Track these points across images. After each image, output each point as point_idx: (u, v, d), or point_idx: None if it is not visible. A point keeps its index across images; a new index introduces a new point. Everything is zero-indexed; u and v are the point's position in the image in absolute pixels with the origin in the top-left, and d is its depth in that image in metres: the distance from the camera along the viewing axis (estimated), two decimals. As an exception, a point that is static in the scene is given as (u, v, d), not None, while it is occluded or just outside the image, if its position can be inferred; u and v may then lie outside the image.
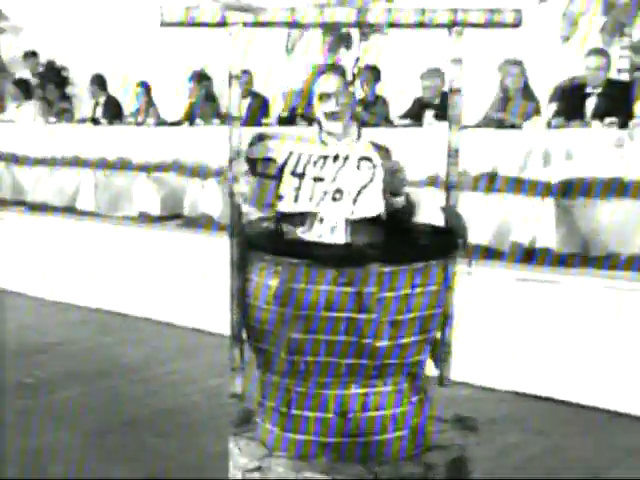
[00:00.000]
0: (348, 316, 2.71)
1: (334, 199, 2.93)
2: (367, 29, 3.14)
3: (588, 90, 5.61)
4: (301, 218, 2.96)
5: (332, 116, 3.00)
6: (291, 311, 2.75)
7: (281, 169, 2.99)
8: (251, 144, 3.03)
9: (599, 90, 5.57)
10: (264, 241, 2.93)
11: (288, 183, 2.96)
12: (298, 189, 2.96)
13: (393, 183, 2.95)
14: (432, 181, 5.24)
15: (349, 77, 3.13)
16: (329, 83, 3.00)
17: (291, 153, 3.00)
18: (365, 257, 2.72)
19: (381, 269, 2.71)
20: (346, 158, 2.99)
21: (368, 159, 3.01)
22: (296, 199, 2.94)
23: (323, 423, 2.80)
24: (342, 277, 2.69)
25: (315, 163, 2.98)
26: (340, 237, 2.92)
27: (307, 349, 2.76)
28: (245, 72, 7.51)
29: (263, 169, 3.05)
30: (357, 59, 3.19)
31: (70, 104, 8.93)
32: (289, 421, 2.85)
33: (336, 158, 2.99)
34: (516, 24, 3.08)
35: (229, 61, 2.98)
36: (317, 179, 2.96)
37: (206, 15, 2.96)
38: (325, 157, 3.00)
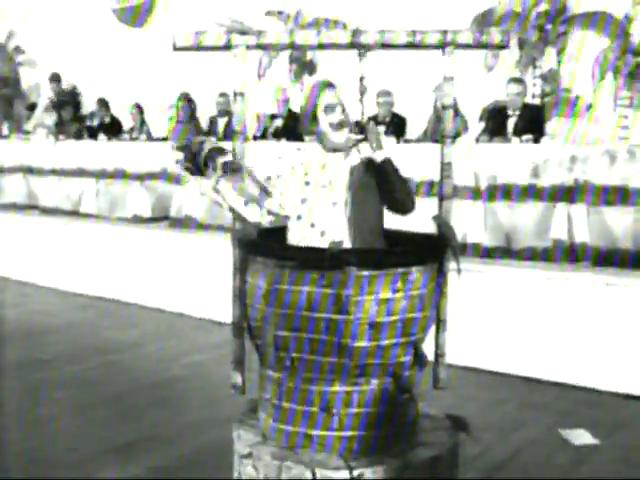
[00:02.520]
0: (328, 317, 2.54)
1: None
2: (362, 49, 2.89)
3: (509, 112, 5.81)
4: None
5: (338, 125, 2.82)
6: (276, 310, 2.61)
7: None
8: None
9: (518, 112, 5.77)
10: (256, 245, 2.81)
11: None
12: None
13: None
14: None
15: (357, 95, 2.92)
16: (332, 95, 2.83)
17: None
18: (342, 261, 2.52)
19: (359, 273, 2.53)
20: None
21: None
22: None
23: (309, 417, 2.64)
24: (321, 279, 2.53)
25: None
26: (329, 242, 2.75)
27: (292, 346, 2.61)
28: (223, 95, 7.52)
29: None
30: (362, 77, 2.97)
31: (82, 124, 8.88)
32: (279, 412, 2.71)
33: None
34: (504, 45, 2.88)
35: (234, 80, 2.90)
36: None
37: (213, 39, 2.89)
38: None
